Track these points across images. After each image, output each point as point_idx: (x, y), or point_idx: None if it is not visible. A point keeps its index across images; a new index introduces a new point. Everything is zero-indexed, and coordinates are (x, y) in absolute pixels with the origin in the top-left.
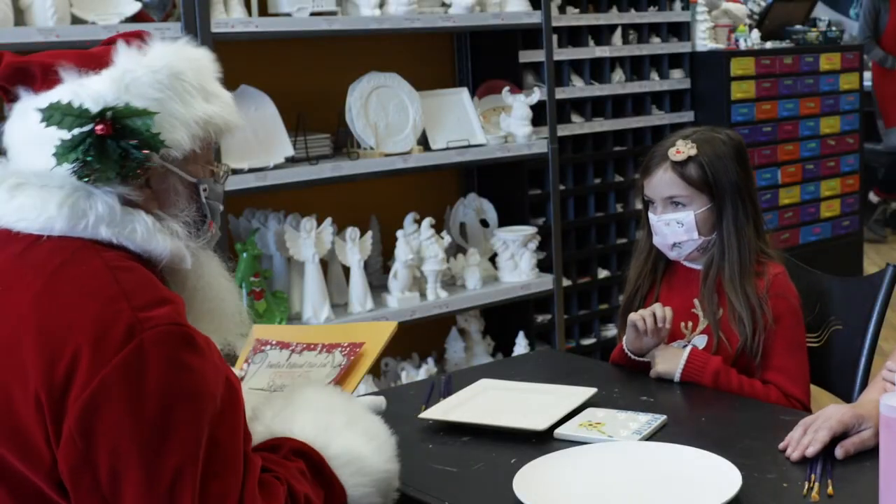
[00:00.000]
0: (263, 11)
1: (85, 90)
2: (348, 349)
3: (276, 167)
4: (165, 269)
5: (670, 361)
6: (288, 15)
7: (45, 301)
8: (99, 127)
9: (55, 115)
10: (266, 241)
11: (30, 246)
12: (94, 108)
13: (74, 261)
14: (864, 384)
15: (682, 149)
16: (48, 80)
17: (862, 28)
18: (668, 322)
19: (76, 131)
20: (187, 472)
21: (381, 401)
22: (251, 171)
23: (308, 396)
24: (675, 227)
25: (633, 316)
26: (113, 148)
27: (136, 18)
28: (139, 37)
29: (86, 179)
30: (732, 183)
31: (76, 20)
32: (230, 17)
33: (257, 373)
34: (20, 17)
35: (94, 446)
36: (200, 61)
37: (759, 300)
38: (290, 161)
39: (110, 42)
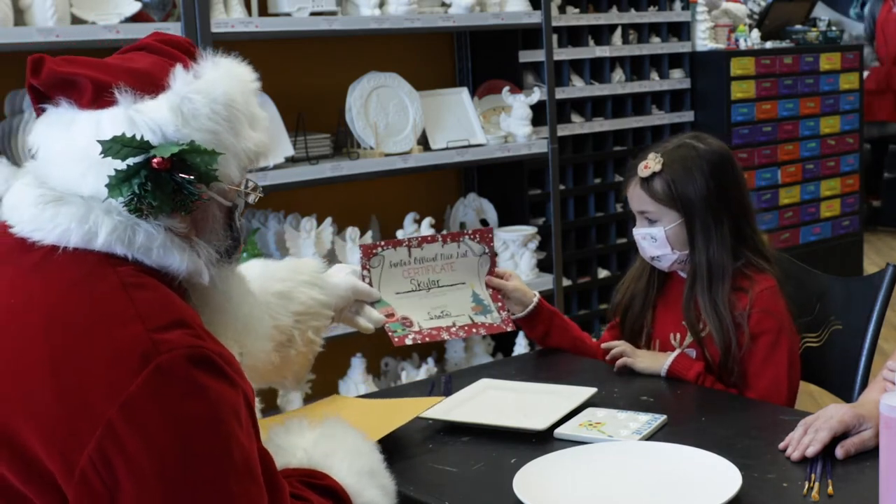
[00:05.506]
0: (263, 11)
1: (142, 117)
2: (476, 235)
3: (276, 167)
4: (185, 282)
5: (655, 360)
6: (288, 15)
7: (56, 323)
8: (156, 160)
9: (114, 146)
10: (266, 241)
11: (44, 258)
12: (154, 139)
13: (89, 277)
14: (864, 384)
15: (649, 164)
16: (101, 99)
17: (865, 27)
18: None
19: (130, 161)
20: (216, 499)
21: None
22: (251, 171)
23: (348, 434)
24: (650, 241)
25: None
26: (168, 181)
27: (136, 18)
28: (185, 49)
29: (137, 214)
30: (702, 199)
31: (76, 20)
32: (230, 17)
33: (383, 276)
34: (20, 17)
35: (117, 478)
36: (248, 83)
37: (732, 318)
38: (290, 161)
39: (143, 46)
